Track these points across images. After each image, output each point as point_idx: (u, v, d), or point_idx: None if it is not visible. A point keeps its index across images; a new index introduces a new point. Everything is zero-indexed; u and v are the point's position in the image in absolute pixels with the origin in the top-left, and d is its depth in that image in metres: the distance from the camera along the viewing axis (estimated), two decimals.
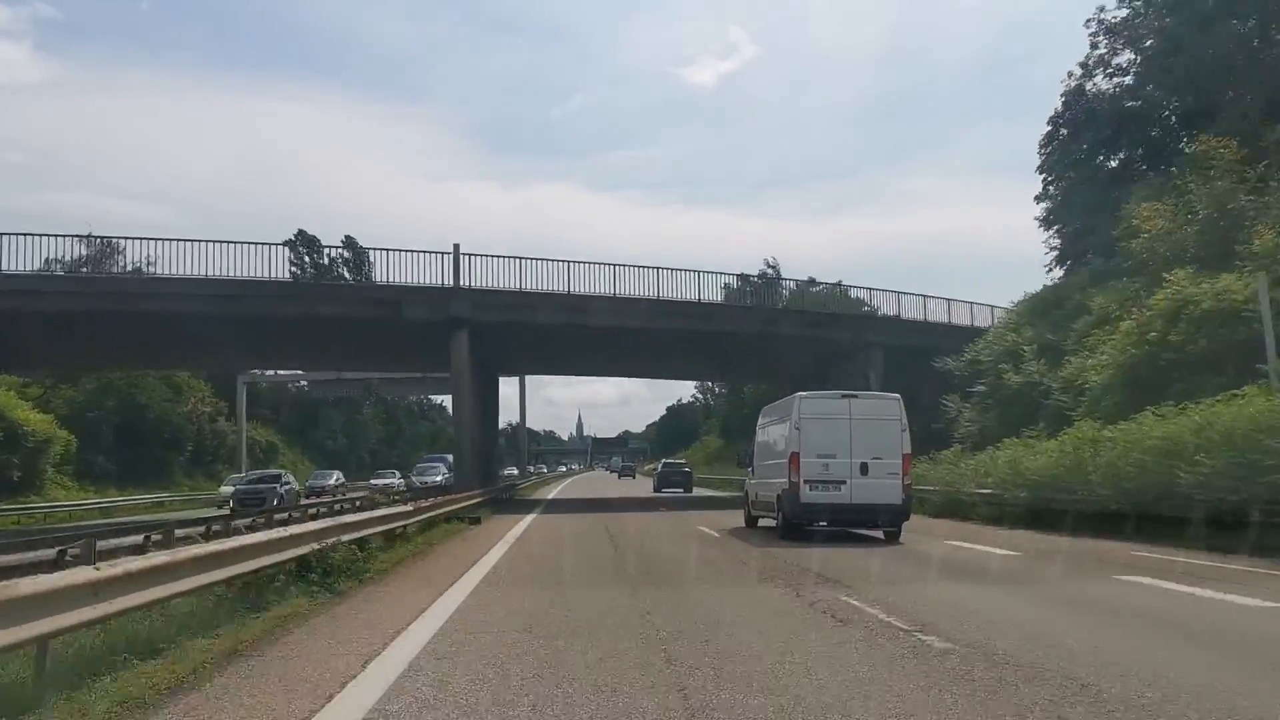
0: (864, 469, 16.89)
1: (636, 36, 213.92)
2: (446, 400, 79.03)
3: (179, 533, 11.16)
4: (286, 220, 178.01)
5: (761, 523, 20.37)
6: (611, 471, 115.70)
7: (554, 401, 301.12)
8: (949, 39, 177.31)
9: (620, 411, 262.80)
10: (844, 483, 16.92)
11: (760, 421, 20.67)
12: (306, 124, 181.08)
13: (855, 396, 17.89)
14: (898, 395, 17.76)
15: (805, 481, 16.97)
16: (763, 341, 36.43)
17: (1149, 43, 35.79)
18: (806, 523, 17.26)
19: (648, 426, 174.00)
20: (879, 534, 17.37)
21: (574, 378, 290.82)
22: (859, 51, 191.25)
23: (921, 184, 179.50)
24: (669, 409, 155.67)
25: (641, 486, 58.33)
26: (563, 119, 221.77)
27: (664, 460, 61.63)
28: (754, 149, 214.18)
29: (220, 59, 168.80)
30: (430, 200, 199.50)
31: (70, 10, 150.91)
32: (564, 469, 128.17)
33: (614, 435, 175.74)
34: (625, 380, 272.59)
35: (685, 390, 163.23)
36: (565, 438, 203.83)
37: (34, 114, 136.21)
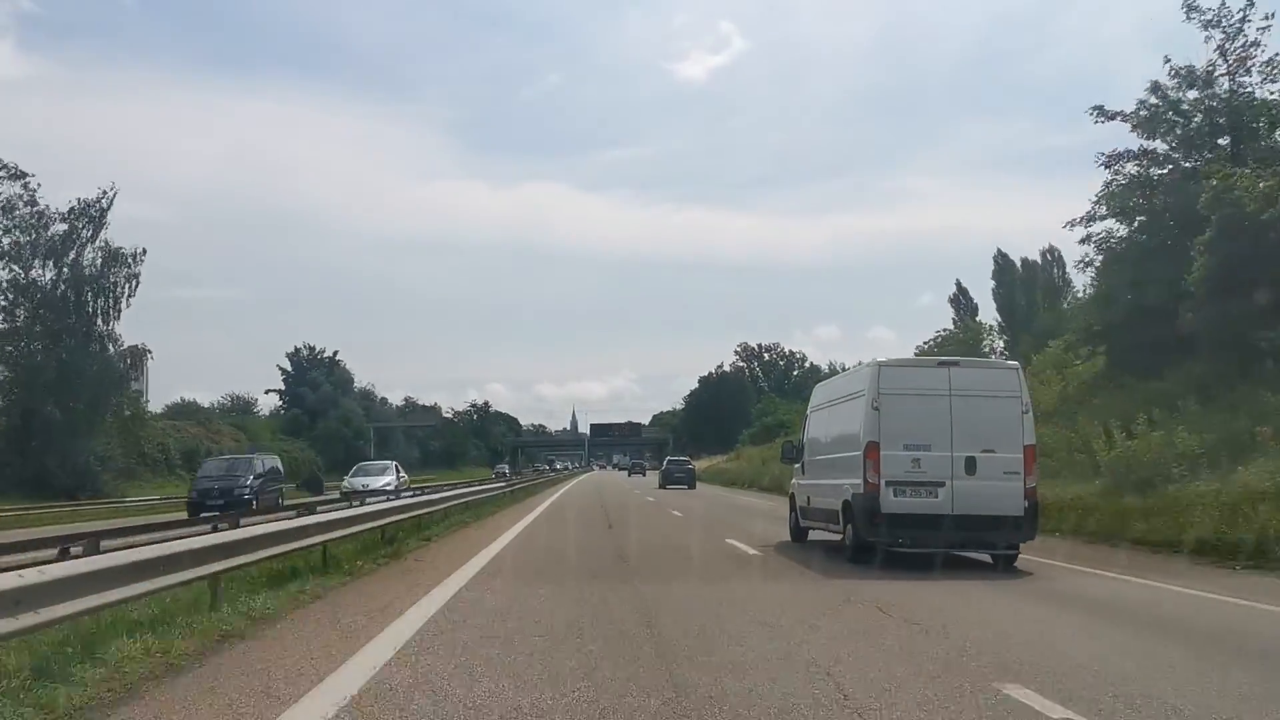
0: (970, 466, 12.10)
1: (626, 31, 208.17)
2: None
3: None
4: (275, 219, 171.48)
5: (813, 535, 15.53)
6: (619, 469, 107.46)
7: (545, 399, 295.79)
8: (940, 34, 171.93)
9: (613, 408, 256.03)
10: (942, 484, 12.12)
11: (815, 400, 15.80)
12: (294, 122, 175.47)
13: (957, 364, 13.02)
14: (1016, 364, 12.92)
15: (888, 483, 12.15)
16: None
17: None
18: (888, 541, 12.38)
19: (654, 419, 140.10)
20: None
21: (565, 374, 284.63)
22: (849, 46, 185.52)
23: (913, 181, 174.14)
24: (702, 381, 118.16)
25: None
26: (551, 116, 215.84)
27: (668, 458, 61.08)
28: (745, 145, 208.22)
29: (206, 58, 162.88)
30: (418, 199, 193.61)
31: (54, 8, 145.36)
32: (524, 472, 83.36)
33: (620, 421, 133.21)
34: (617, 379, 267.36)
35: (719, 356, 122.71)
36: (555, 430, 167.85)
37: (19, 111, 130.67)
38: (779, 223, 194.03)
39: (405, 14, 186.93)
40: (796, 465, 16.19)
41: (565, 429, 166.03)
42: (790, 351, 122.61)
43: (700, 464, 68.97)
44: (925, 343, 54.69)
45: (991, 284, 61.06)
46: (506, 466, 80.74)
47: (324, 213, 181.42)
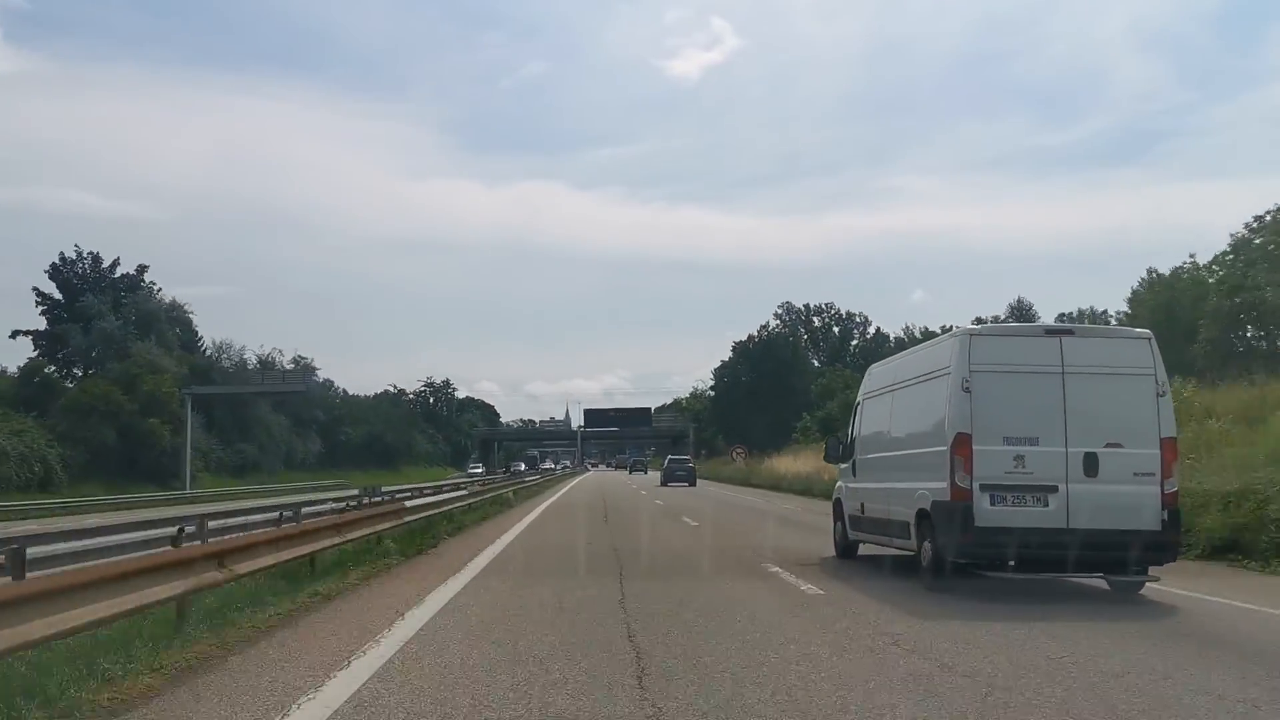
0: (1090, 465, 9.30)
1: (618, 28, 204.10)
2: None
3: None
4: (267, 217, 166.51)
5: (864, 549, 12.68)
6: (620, 469, 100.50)
7: (538, 397, 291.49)
8: (932, 34, 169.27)
9: (607, 406, 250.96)
10: (1054, 489, 9.32)
11: (870, 384, 12.91)
12: (286, 121, 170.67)
13: (1070, 333, 10.17)
14: (1148, 332, 10.07)
15: (983, 487, 9.32)
16: None
17: None
18: (985, 562, 9.52)
19: (659, 408, 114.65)
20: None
21: (558, 373, 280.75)
22: (842, 45, 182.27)
23: (904, 181, 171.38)
24: (737, 349, 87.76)
25: None
26: (544, 114, 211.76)
27: (670, 457, 59.48)
28: (738, 144, 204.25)
29: (197, 55, 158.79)
30: (410, 197, 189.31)
31: (42, 3, 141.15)
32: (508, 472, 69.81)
33: (628, 409, 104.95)
34: (610, 377, 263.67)
35: (719, 356, 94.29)
36: (544, 421, 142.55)
37: (7, 107, 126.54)
38: (772, 221, 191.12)
39: (396, 12, 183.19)
40: (844, 465, 13.32)
41: (555, 419, 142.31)
42: (848, 313, 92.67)
43: (786, 464, 46.42)
44: (1257, 219, 37.56)
45: None
46: None
47: (315, 211, 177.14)
